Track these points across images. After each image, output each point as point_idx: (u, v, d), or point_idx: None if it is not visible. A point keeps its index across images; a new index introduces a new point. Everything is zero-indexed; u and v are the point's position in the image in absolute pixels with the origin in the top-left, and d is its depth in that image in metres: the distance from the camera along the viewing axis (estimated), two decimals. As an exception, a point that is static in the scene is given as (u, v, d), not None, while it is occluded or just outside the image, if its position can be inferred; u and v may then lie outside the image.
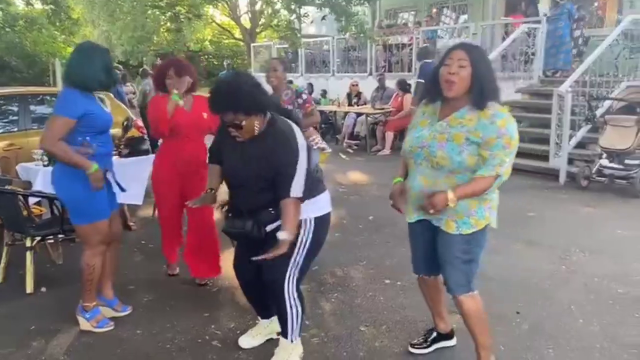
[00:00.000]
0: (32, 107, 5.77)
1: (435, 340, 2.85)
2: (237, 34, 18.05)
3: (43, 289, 3.67)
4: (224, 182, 2.71)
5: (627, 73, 7.74)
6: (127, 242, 4.39)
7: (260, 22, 16.21)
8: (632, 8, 9.41)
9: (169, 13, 14.64)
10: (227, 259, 3.55)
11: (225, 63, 18.68)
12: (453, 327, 2.87)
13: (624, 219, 5.27)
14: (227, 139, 2.51)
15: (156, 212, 5.12)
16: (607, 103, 7.19)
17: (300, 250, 2.53)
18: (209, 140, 3.60)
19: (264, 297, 2.78)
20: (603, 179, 6.36)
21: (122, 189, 3.15)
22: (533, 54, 9.00)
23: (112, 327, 3.14)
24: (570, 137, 6.99)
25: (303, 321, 2.70)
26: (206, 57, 23.80)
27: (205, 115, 3.48)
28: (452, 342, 2.87)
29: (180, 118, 3.47)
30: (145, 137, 5.85)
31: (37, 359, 2.84)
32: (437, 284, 2.70)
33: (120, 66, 12.80)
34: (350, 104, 11.17)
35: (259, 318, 2.98)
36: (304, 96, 4.08)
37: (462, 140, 2.28)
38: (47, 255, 4.12)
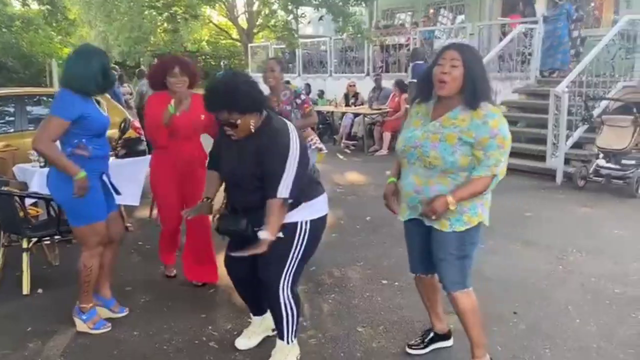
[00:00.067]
0: (28, 108, 5.76)
1: (432, 341, 2.84)
2: (235, 34, 18.05)
3: (39, 291, 3.67)
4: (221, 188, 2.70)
5: (624, 73, 7.77)
6: (124, 243, 4.31)
7: (257, 23, 16.23)
8: (629, 8, 9.42)
9: (166, 13, 14.59)
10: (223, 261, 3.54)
11: (222, 63, 18.67)
12: (450, 328, 2.87)
13: (620, 219, 5.29)
14: (224, 138, 2.51)
15: (153, 213, 5.15)
16: (603, 103, 7.22)
17: (296, 253, 2.52)
18: (204, 139, 3.60)
19: (258, 295, 2.77)
20: (600, 179, 6.37)
21: (117, 192, 3.14)
22: (530, 54, 9.02)
23: (109, 329, 3.14)
24: (567, 137, 6.99)
25: (299, 322, 2.70)
26: (203, 57, 23.74)
27: (202, 117, 3.46)
28: (449, 343, 2.87)
29: (178, 120, 3.43)
30: (142, 137, 5.84)
31: (33, 361, 2.83)
32: (434, 283, 2.70)
33: (117, 67, 12.76)
34: (347, 105, 11.17)
35: (252, 316, 2.97)
36: (302, 96, 4.10)
37: (455, 141, 2.29)
38: (44, 256, 4.12)
